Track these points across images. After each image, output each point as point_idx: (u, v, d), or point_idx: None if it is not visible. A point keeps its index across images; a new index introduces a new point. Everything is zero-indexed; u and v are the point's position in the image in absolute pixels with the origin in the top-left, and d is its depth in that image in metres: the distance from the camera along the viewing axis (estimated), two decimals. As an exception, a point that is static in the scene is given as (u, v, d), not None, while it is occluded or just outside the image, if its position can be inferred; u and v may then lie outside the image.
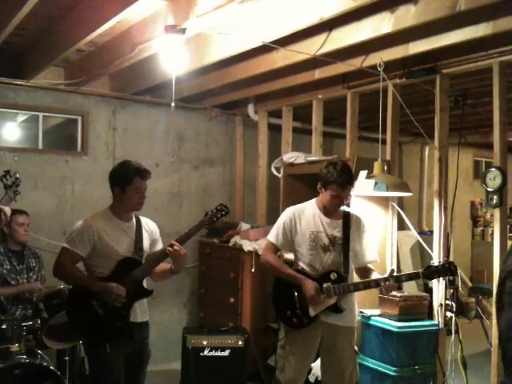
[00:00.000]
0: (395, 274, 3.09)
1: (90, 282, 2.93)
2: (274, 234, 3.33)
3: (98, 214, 3.07)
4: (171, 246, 2.93)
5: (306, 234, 3.24)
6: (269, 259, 3.31)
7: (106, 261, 2.95)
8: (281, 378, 3.30)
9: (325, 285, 3.13)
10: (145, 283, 3.04)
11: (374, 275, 3.20)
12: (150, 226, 3.16)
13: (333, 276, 3.16)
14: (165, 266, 3.07)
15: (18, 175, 3.14)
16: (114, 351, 2.88)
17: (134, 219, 3.09)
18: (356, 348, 3.54)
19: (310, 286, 3.11)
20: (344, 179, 3.13)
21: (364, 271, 3.30)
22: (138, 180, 2.98)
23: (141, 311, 3.03)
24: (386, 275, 3.08)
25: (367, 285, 3.14)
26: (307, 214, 3.29)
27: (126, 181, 2.97)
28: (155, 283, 3.14)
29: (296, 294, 3.20)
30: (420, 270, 3.09)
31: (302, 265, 3.26)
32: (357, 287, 3.17)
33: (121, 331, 2.92)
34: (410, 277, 3.14)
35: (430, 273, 3.05)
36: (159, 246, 3.17)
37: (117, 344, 2.89)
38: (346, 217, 3.27)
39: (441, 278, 3.73)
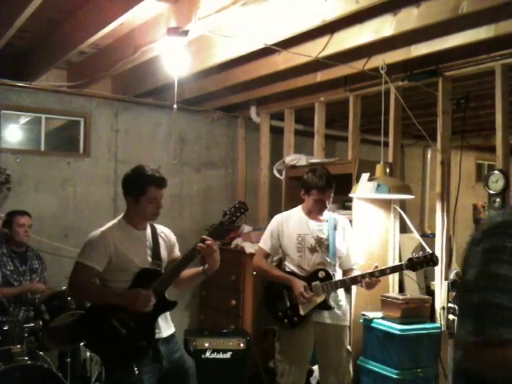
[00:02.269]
0: (379, 268, 3.23)
1: (113, 296, 2.70)
2: (264, 241, 3.56)
3: (112, 224, 2.84)
4: (202, 241, 2.69)
5: (293, 237, 3.45)
6: (260, 264, 3.53)
7: (123, 274, 2.72)
8: (282, 382, 3.43)
9: (313, 283, 3.32)
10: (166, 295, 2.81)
11: (358, 272, 3.38)
12: (166, 234, 2.96)
13: (321, 274, 3.34)
14: (190, 271, 2.87)
15: (8, 172, 3.11)
16: (142, 374, 2.64)
17: (148, 227, 2.89)
18: (349, 347, 3.59)
19: (298, 283, 3.30)
20: (323, 184, 3.36)
21: (349, 272, 3.46)
22: (152, 189, 2.76)
23: (165, 325, 2.81)
24: (370, 270, 3.23)
25: (353, 280, 3.30)
26: (293, 219, 3.52)
27: (140, 190, 2.75)
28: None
29: (286, 294, 3.39)
30: (403, 262, 3.23)
31: (291, 267, 3.45)
32: (343, 283, 3.34)
33: (146, 350, 2.68)
34: (394, 269, 3.33)
35: (413, 264, 3.17)
36: (177, 253, 2.98)
37: (143, 366, 2.65)
38: (331, 219, 3.50)
39: (445, 282, 3.77)
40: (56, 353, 4.09)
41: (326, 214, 3.51)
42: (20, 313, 3.92)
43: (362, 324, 3.87)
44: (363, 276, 3.24)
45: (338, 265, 3.46)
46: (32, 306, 3.98)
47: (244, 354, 4.28)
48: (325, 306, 3.34)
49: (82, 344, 3.74)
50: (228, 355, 4.26)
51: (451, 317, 3.72)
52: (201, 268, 2.83)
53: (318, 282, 3.33)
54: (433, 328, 3.72)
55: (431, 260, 3.17)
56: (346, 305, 3.53)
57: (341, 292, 3.45)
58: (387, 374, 3.60)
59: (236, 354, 4.27)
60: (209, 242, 2.70)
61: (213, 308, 5.35)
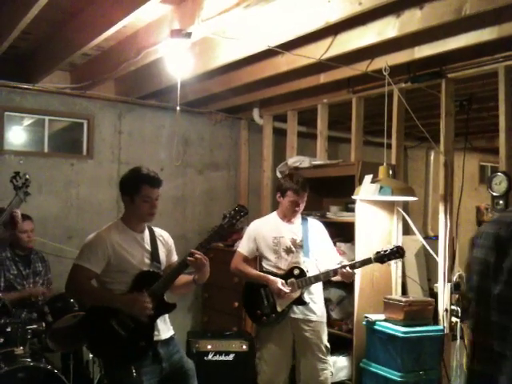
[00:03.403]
0: (348, 263, 3.48)
1: (110, 298, 2.72)
2: (242, 245, 3.79)
3: (110, 225, 2.87)
4: (191, 254, 2.74)
5: (270, 240, 3.66)
6: (238, 266, 3.73)
7: (121, 276, 2.74)
8: (260, 380, 3.62)
9: (288, 280, 3.51)
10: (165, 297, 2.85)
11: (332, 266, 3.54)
12: (164, 237, 2.99)
13: (295, 271, 3.54)
14: (185, 277, 2.90)
15: (27, 176, 3.13)
16: (141, 375, 2.66)
17: (147, 230, 2.91)
18: (328, 344, 3.67)
19: (274, 280, 3.51)
20: (298, 185, 3.60)
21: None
22: (146, 188, 2.78)
23: (164, 327, 2.84)
24: (341, 264, 3.47)
25: (326, 275, 3.50)
26: (270, 223, 3.75)
27: (134, 189, 2.78)
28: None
29: (263, 293, 3.59)
30: (371, 256, 3.41)
31: (269, 268, 3.65)
32: (317, 278, 3.53)
33: (145, 352, 2.70)
34: (363, 263, 3.45)
35: (380, 257, 3.38)
36: (175, 258, 3.01)
37: (142, 367, 2.68)
38: (305, 222, 3.73)
39: (448, 285, 3.76)
40: (59, 354, 4.09)
41: (300, 218, 3.73)
42: (23, 314, 3.92)
43: (364, 326, 3.87)
44: (335, 271, 3.44)
45: (313, 263, 3.62)
46: (35, 308, 3.98)
47: (246, 356, 4.27)
48: (300, 301, 3.54)
49: (84, 346, 3.75)
50: (231, 357, 4.26)
51: (454, 319, 3.72)
52: (191, 277, 2.88)
53: (293, 279, 3.52)
54: (436, 330, 3.71)
55: (397, 252, 3.37)
56: (321, 301, 3.69)
57: (316, 289, 3.62)
58: (390, 376, 3.60)
59: (238, 356, 4.26)
60: (198, 255, 2.74)
61: (215, 310, 5.35)
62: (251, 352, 4.28)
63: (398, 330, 3.60)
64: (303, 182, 3.65)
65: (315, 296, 3.62)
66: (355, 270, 3.47)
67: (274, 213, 3.81)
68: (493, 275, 1.40)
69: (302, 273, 3.54)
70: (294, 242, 3.64)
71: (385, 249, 3.40)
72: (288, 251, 3.63)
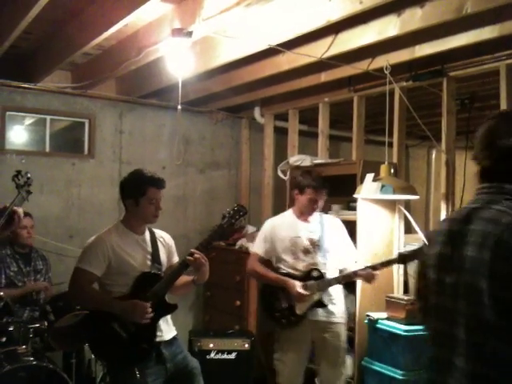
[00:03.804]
0: (370, 264, 3.43)
1: (110, 304, 2.72)
2: (258, 245, 3.67)
3: (110, 228, 2.88)
4: (191, 254, 2.75)
5: (286, 241, 3.55)
6: (255, 268, 3.62)
7: (122, 278, 2.76)
8: (279, 380, 3.55)
9: (308, 282, 3.42)
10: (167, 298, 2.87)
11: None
12: (164, 239, 3.00)
13: (314, 273, 3.47)
14: (185, 278, 2.91)
15: (29, 175, 3.13)
16: (145, 377, 2.68)
17: (147, 232, 2.93)
18: (345, 345, 3.65)
19: (293, 284, 3.40)
20: (318, 183, 3.50)
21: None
22: (152, 190, 2.81)
23: (166, 328, 2.85)
24: (362, 266, 3.41)
25: (346, 276, 3.47)
26: (285, 222, 3.63)
27: (140, 191, 2.79)
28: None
29: (282, 295, 3.48)
30: (394, 257, 3.41)
31: (286, 269, 3.54)
32: (337, 280, 3.47)
33: (148, 353, 2.72)
34: (384, 264, 3.41)
35: (402, 257, 3.34)
36: (176, 259, 3.02)
37: (146, 368, 2.69)
38: (322, 220, 3.62)
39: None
40: (61, 353, 4.10)
41: (317, 216, 3.62)
42: (25, 313, 3.93)
43: (366, 325, 3.87)
44: (355, 273, 3.41)
45: (331, 264, 3.55)
46: (37, 307, 3.99)
47: (249, 355, 4.29)
48: (320, 304, 3.46)
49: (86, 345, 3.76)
50: (233, 356, 4.26)
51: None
52: (191, 278, 2.89)
53: (312, 281, 3.44)
54: (438, 329, 3.71)
55: (419, 253, 3.27)
56: (341, 302, 3.61)
57: (334, 290, 3.54)
58: (392, 374, 3.59)
59: (241, 354, 4.27)
60: (197, 255, 2.74)
61: (217, 309, 5.35)
62: (253, 350, 4.29)
63: (400, 329, 3.60)
64: (323, 179, 3.57)
65: (334, 297, 3.55)
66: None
67: (290, 211, 3.71)
68: (447, 266, 1.52)
69: (321, 275, 3.47)
70: (311, 241, 3.55)
71: (407, 249, 3.37)
72: (306, 252, 3.53)
